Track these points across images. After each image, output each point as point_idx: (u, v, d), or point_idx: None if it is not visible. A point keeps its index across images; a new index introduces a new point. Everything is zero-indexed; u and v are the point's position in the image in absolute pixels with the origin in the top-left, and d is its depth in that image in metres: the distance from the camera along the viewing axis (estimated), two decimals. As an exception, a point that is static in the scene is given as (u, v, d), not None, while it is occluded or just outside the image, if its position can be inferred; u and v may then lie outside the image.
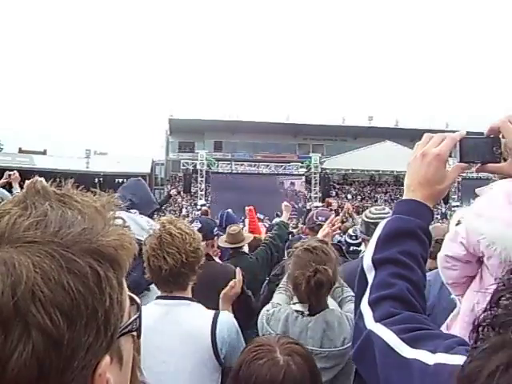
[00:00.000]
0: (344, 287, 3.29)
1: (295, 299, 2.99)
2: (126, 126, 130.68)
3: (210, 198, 45.68)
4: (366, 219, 4.10)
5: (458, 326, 2.18)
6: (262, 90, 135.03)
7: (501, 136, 1.48)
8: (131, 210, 4.23)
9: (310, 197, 46.34)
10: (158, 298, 2.95)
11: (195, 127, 57.18)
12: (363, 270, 1.41)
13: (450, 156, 1.55)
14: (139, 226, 4.01)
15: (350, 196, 54.27)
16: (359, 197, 54.75)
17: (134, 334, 0.88)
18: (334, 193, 52.14)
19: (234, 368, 2.03)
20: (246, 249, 5.92)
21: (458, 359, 1.02)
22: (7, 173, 7.92)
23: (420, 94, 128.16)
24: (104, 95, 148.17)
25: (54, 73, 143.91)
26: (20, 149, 54.20)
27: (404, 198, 1.50)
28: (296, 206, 40.54)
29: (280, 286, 3.41)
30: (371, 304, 1.30)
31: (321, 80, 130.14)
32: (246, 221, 12.88)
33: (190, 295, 2.96)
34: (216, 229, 4.42)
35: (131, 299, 0.87)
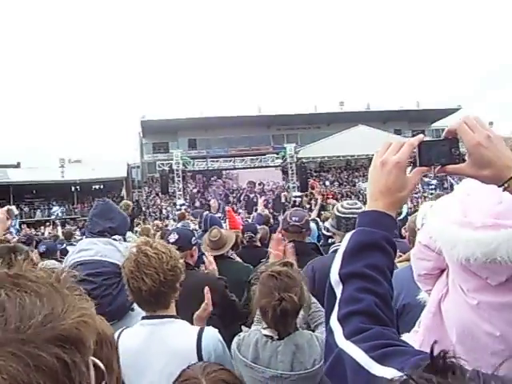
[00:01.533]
0: (312, 304, 3.31)
1: (264, 324, 2.99)
2: (99, 131, 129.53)
3: (188, 197, 45.63)
4: (338, 213, 4.09)
5: (423, 317, 2.22)
6: (232, 84, 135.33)
7: (458, 137, 1.50)
8: (115, 237, 4.28)
9: (289, 187, 46.41)
10: (142, 318, 2.97)
11: (168, 127, 56.87)
12: (331, 284, 1.42)
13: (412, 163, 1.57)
14: (120, 254, 4.06)
15: (327, 183, 54.39)
16: (337, 183, 54.86)
17: None
18: (310, 180, 52.23)
19: None
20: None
21: None
22: None
23: (389, 76, 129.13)
24: (74, 102, 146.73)
25: (22, 84, 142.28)
26: (-8, 163, 53.34)
27: (367, 208, 1.52)
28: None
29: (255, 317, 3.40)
30: (340, 320, 1.32)
31: (290, 69, 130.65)
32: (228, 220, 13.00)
33: (173, 312, 2.97)
34: (194, 238, 4.42)
35: (95, 366, 0.87)
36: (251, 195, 45.40)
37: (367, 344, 1.21)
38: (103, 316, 3.93)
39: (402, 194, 1.50)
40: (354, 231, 1.47)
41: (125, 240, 4.52)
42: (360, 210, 4.00)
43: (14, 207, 4.87)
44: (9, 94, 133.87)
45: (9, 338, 0.70)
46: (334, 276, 1.41)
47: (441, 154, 1.53)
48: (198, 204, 45.06)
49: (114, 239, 4.26)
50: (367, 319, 1.29)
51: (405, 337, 2.44)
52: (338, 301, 1.37)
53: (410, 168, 1.55)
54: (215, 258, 5.70)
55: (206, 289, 3.48)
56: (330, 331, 1.34)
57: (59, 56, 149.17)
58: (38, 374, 0.68)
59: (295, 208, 8.87)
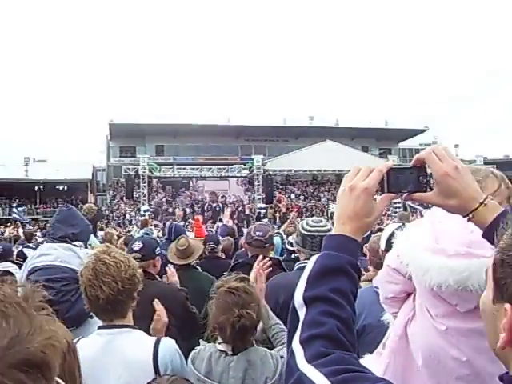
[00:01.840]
0: (275, 325, 3.33)
1: (220, 339, 2.99)
2: (66, 131, 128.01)
3: (152, 203, 45.33)
4: (303, 231, 4.08)
5: (389, 339, 2.24)
6: (203, 92, 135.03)
7: (426, 166, 1.54)
8: (76, 243, 4.25)
9: (254, 198, 46.45)
10: (99, 327, 2.95)
11: (136, 131, 56.55)
12: (295, 307, 1.42)
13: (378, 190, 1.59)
14: (80, 260, 4.04)
15: (293, 196, 54.53)
16: (302, 196, 55.06)
17: None
18: (277, 193, 52.36)
19: None
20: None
21: None
22: None
23: (359, 94, 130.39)
24: (42, 101, 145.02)
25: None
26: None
27: (333, 232, 1.53)
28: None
29: None
30: (302, 343, 1.32)
31: (261, 81, 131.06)
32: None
33: (131, 322, 2.96)
34: (158, 248, 4.39)
35: None
36: (213, 204, 45.36)
37: (328, 369, 1.21)
38: (61, 322, 3.88)
39: (369, 219, 1.51)
40: (319, 255, 1.48)
41: (86, 246, 4.49)
42: (325, 228, 4.02)
43: None
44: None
45: None
46: (298, 299, 1.41)
47: (408, 181, 1.56)
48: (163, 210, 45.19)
49: (75, 245, 4.22)
50: (329, 343, 1.29)
51: (367, 358, 2.47)
52: (300, 323, 1.37)
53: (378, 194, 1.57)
54: (181, 266, 5.72)
55: (155, 301, 3.46)
56: (291, 353, 1.34)
57: (29, 53, 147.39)
58: None
59: (259, 222, 8.88)
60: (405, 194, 1.57)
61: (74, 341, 2.97)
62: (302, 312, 1.39)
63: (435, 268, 1.78)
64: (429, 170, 1.55)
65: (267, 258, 3.60)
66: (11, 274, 6.53)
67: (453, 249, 1.77)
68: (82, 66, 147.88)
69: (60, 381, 0.86)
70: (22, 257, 7.82)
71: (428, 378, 1.97)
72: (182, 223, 14.96)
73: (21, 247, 9.55)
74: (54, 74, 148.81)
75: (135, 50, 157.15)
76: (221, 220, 29.01)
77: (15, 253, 7.83)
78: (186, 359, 3.02)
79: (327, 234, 3.74)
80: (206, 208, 44.71)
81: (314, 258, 1.48)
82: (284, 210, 12.10)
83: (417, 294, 2.10)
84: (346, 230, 1.49)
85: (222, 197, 48.89)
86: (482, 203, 1.48)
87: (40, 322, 0.80)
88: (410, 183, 1.56)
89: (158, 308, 3.44)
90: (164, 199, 50.80)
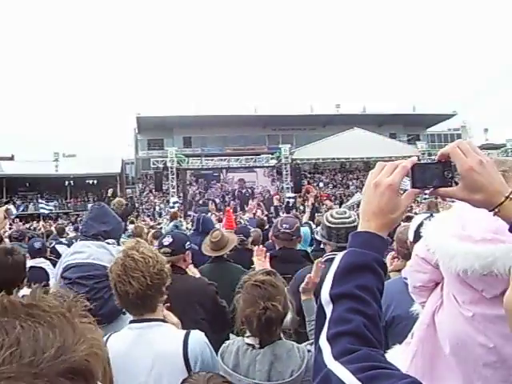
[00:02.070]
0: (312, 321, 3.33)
1: (248, 332, 3.00)
2: (94, 126, 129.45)
3: (181, 195, 45.55)
4: (328, 224, 4.08)
5: (417, 328, 2.25)
6: (229, 83, 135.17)
7: (451, 161, 1.52)
8: (108, 241, 4.30)
9: (283, 188, 46.43)
10: (130, 322, 3.00)
11: (163, 124, 56.96)
12: (321, 304, 1.44)
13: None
14: (113, 258, 4.09)
15: (321, 184, 54.52)
16: (331, 185, 55.04)
17: None
18: (305, 182, 52.28)
19: None
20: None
21: None
22: None
23: (386, 80, 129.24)
24: (70, 96, 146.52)
25: (18, 75, 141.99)
26: (-15, 155, 53.11)
27: (359, 229, 1.53)
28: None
29: None
30: (329, 340, 1.33)
31: (288, 70, 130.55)
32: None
33: (160, 316, 3.00)
34: (188, 243, 4.41)
35: None
36: (243, 191, 45.74)
37: (355, 365, 1.22)
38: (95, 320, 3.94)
39: (394, 215, 1.51)
40: (345, 252, 1.49)
41: (118, 244, 4.54)
42: (350, 220, 4.01)
43: (12, 207, 4.90)
44: (5, 86, 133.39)
45: (23, 372, 0.71)
46: (325, 296, 1.42)
47: (434, 176, 1.55)
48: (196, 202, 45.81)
49: (108, 243, 4.28)
50: (356, 340, 1.30)
51: (396, 348, 2.48)
52: (327, 320, 1.38)
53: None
54: (214, 258, 5.80)
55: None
56: (318, 350, 1.35)
57: (58, 50, 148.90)
58: None
59: (286, 215, 8.86)
60: (430, 190, 1.57)
61: (106, 336, 3.05)
62: (328, 309, 1.40)
63: (461, 254, 1.78)
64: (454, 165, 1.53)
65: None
66: (44, 270, 6.67)
67: (479, 235, 1.77)
68: (109, 61, 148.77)
69: None
70: (55, 253, 7.93)
71: (456, 365, 1.98)
72: (213, 215, 14.85)
73: (54, 243, 9.66)
74: (81, 70, 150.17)
75: (162, 42, 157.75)
76: (244, 210, 29.22)
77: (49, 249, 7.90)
78: (218, 353, 3.05)
79: (352, 225, 3.76)
80: (236, 194, 45.09)
81: (339, 256, 1.49)
82: (310, 199, 12.10)
83: (444, 282, 2.11)
84: (371, 227, 1.49)
85: (249, 188, 49.11)
86: (507, 197, 1.46)
87: (83, 331, 0.83)
88: (435, 178, 1.55)
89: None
90: (197, 191, 51.09)
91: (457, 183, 1.53)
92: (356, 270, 1.42)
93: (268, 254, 3.55)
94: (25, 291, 4.09)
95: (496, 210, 1.48)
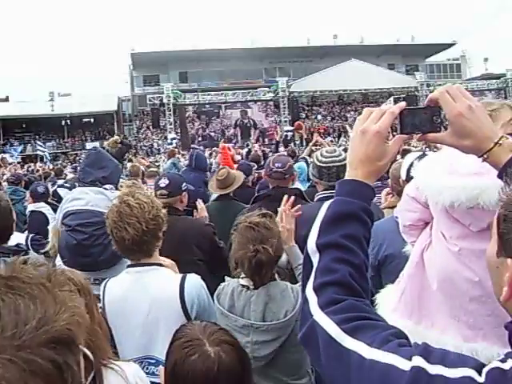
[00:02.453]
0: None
1: (242, 274, 3.04)
2: (88, 64, 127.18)
3: (179, 131, 45.33)
4: (318, 163, 4.06)
5: (406, 266, 2.29)
6: (224, 16, 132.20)
7: (440, 106, 1.51)
8: (106, 186, 4.30)
9: (280, 121, 46.16)
10: (127, 266, 3.05)
11: (159, 59, 55.98)
12: (308, 253, 1.44)
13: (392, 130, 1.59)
14: (112, 203, 4.12)
15: (319, 117, 54.17)
16: (329, 117, 54.63)
17: None
18: (303, 115, 51.92)
19: (169, 365, 2.06)
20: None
21: (388, 358, 1.10)
22: None
23: (384, 9, 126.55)
24: (63, 34, 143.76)
25: (11, 16, 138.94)
26: (-20, 98, 52.57)
27: (346, 177, 1.52)
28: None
29: None
30: (316, 289, 1.35)
31: (283, 1, 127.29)
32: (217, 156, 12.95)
33: (157, 261, 3.04)
34: (184, 184, 4.42)
35: (85, 357, 0.91)
36: (245, 121, 45.79)
37: (339, 316, 1.24)
38: (95, 265, 3.97)
39: (382, 163, 1.49)
40: (331, 201, 1.47)
41: (117, 188, 4.54)
42: (340, 158, 4.00)
43: (7, 155, 4.89)
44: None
45: (5, 345, 0.73)
46: (311, 245, 1.43)
47: (422, 122, 1.53)
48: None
49: (105, 188, 4.28)
50: (341, 290, 1.31)
51: (389, 287, 2.53)
52: (314, 270, 1.39)
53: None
54: (220, 196, 5.88)
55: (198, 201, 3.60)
56: (305, 300, 1.37)
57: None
58: (34, 379, 0.73)
59: (278, 153, 8.77)
60: (418, 135, 1.55)
61: (104, 281, 3.11)
62: (315, 258, 1.40)
63: (448, 187, 1.83)
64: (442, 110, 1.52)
65: (292, 197, 3.57)
66: (44, 214, 6.72)
67: (466, 169, 1.79)
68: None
69: (85, 350, 0.91)
70: (57, 197, 7.91)
71: (443, 300, 2.03)
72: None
73: (56, 186, 9.64)
74: (75, 6, 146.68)
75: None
76: (248, 145, 29.16)
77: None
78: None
79: (342, 163, 3.76)
80: (238, 124, 45.11)
81: (326, 204, 1.48)
82: (305, 135, 11.92)
83: (433, 220, 2.14)
84: (358, 175, 1.48)
85: (251, 118, 48.96)
86: (496, 143, 1.45)
87: (64, 300, 0.85)
88: (423, 124, 1.53)
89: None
90: (200, 127, 50.85)
91: (446, 128, 1.51)
92: (342, 219, 1.42)
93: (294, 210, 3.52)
94: (16, 236, 4.13)
95: (485, 156, 1.47)
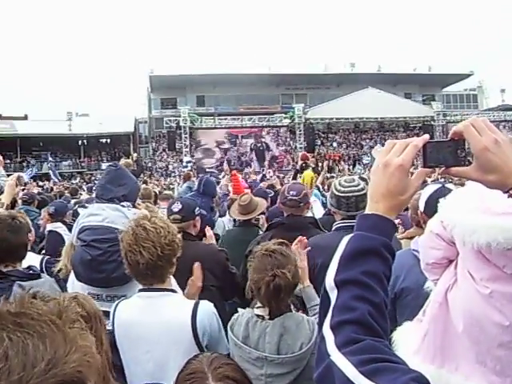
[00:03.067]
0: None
1: (258, 303, 3.00)
2: (107, 85, 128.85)
3: (195, 155, 45.56)
4: (337, 192, 4.00)
5: (429, 306, 2.23)
6: (243, 42, 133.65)
7: (465, 139, 1.47)
8: (123, 203, 4.28)
9: (296, 147, 46.24)
10: (139, 290, 3.01)
11: (176, 83, 56.57)
12: (326, 289, 1.40)
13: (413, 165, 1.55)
14: (128, 221, 4.09)
15: (335, 144, 54.22)
16: (344, 145, 54.67)
17: None
18: (319, 142, 52.05)
19: None
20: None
21: None
22: None
23: (402, 39, 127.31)
24: (82, 56, 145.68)
25: (31, 36, 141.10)
26: (0, 115, 53.17)
27: (367, 211, 1.48)
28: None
29: None
30: (333, 328, 1.30)
31: (301, 28, 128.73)
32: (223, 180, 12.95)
33: (170, 286, 3.01)
34: (197, 208, 4.40)
35: None
36: (258, 144, 46.00)
37: (357, 357, 1.20)
38: (108, 281, 3.96)
39: (404, 197, 1.46)
40: (351, 235, 1.43)
41: (134, 206, 4.51)
42: (359, 187, 3.95)
43: (23, 175, 4.89)
44: (18, 45, 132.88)
45: None
46: (330, 281, 1.38)
47: (446, 155, 1.49)
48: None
49: (123, 205, 4.26)
50: (360, 329, 1.27)
51: (407, 325, 2.46)
52: (331, 308, 1.34)
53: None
54: (242, 222, 5.88)
55: (196, 264, 3.51)
56: (322, 338, 1.32)
57: (69, 9, 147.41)
58: None
59: (293, 181, 8.74)
60: (442, 169, 1.51)
61: (115, 303, 3.08)
62: (333, 295, 1.36)
63: (484, 227, 1.74)
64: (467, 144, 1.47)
65: (304, 239, 3.55)
66: (59, 234, 6.71)
67: (500, 208, 1.72)
68: (123, 20, 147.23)
69: None
70: (76, 216, 7.88)
71: (469, 345, 1.96)
72: (225, 176, 14.69)
73: (76, 206, 9.60)
74: (95, 29, 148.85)
75: (174, 1, 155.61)
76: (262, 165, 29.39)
77: (70, 212, 7.85)
78: (227, 321, 3.06)
79: (361, 193, 3.72)
80: (251, 147, 45.36)
81: (345, 239, 1.44)
82: (313, 165, 11.99)
83: (459, 259, 2.07)
84: (380, 209, 1.44)
85: (264, 142, 49.15)
86: None
87: (74, 339, 0.81)
88: (447, 157, 1.49)
89: (196, 273, 3.47)
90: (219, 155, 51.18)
91: (470, 163, 1.47)
92: (363, 255, 1.38)
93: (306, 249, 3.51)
94: (30, 257, 4.12)
95: (511, 191, 1.43)
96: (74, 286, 3.96)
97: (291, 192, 4.58)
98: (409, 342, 2.27)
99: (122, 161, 9.80)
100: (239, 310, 3.14)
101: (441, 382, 1.67)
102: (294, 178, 11.95)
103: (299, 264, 3.25)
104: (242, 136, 50.27)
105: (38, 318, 0.80)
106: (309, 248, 3.52)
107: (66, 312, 0.85)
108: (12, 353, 0.74)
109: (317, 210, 7.52)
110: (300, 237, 3.57)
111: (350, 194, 3.90)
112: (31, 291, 0.89)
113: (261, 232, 5.54)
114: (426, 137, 1.51)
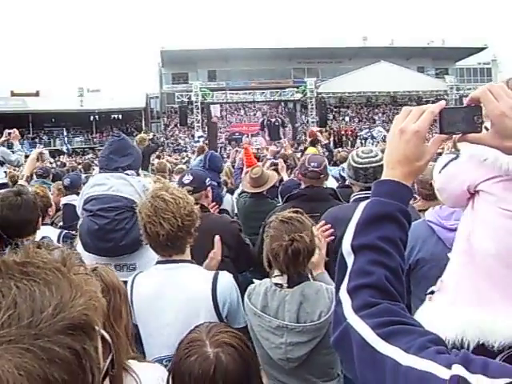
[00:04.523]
0: None
1: (276, 272, 2.98)
2: (118, 61, 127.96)
3: (206, 129, 45.48)
4: (354, 164, 3.99)
5: (453, 252, 2.21)
6: (254, 15, 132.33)
7: (481, 105, 1.46)
8: (127, 172, 4.28)
9: (308, 121, 46.04)
10: (157, 262, 3.00)
11: (188, 58, 56.28)
12: (343, 254, 1.40)
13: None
14: (133, 188, 4.09)
15: (347, 118, 54.02)
16: (356, 119, 54.46)
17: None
18: (331, 116, 51.87)
19: (171, 365, 2.09)
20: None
21: (426, 365, 1.05)
22: (7, 131, 7.88)
23: (415, 12, 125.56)
24: (93, 31, 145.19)
25: (42, 12, 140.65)
26: (12, 92, 53.18)
27: (383, 177, 1.48)
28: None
29: None
30: (350, 292, 1.31)
31: (313, 1, 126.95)
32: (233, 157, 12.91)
33: (188, 257, 3.00)
34: (208, 179, 4.39)
35: (102, 339, 0.90)
36: (272, 120, 45.63)
37: (375, 320, 1.20)
38: (117, 250, 3.97)
39: (420, 163, 1.45)
40: (368, 201, 1.44)
41: (138, 174, 4.51)
42: (377, 158, 3.93)
43: (47, 152, 4.90)
44: (28, 22, 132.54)
45: (22, 334, 0.72)
46: (346, 246, 1.39)
47: (462, 121, 1.47)
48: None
49: (127, 174, 4.26)
50: (376, 293, 1.27)
51: (426, 304, 2.40)
52: (348, 272, 1.35)
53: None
54: (253, 194, 5.94)
55: (217, 238, 3.49)
56: (338, 302, 1.33)
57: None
58: (52, 367, 0.71)
59: (313, 153, 8.71)
60: (458, 135, 1.50)
61: (132, 276, 3.09)
62: (350, 260, 1.37)
63: None
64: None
65: (329, 226, 3.55)
66: (75, 206, 6.77)
67: None
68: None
69: (104, 333, 0.90)
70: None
71: (505, 272, 1.94)
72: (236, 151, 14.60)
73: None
74: (105, 4, 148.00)
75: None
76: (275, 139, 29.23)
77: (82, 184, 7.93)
78: (240, 292, 3.06)
79: (379, 164, 3.70)
80: (265, 123, 44.94)
81: (362, 205, 1.44)
82: (324, 141, 11.81)
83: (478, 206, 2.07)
84: (396, 175, 1.44)
85: (279, 117, 48.68)
86: None
87: (79, 284, 0.83)
88: (464, 123, 1.47)
89: (216, 246, 3.47)
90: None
91: (487, 128, 1.46)
92: (379, 221, 1.38)
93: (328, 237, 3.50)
94: (45, 230, 4.14)
95: None
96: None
97: (312, 163, 4.57)
98: (435, 307, 2.23)
99: (138, 136, 9.82)
100: (255, 281, 3.15)
101: (486, 323, 1.67)
102: (331, 153, 11.88)
103: (318, 252, 3.21)
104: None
105: (44, 266, 0.82)
106: (329, 226, 3.51)
107: (70, 259, 0.87)
108: (20, 300, 0.76)
109: (329, 183, 7.53)
110: (326, 225, 3.55)
111: (368, 165, 3.89)
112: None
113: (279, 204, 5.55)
114: (443, 103, 1.49)
